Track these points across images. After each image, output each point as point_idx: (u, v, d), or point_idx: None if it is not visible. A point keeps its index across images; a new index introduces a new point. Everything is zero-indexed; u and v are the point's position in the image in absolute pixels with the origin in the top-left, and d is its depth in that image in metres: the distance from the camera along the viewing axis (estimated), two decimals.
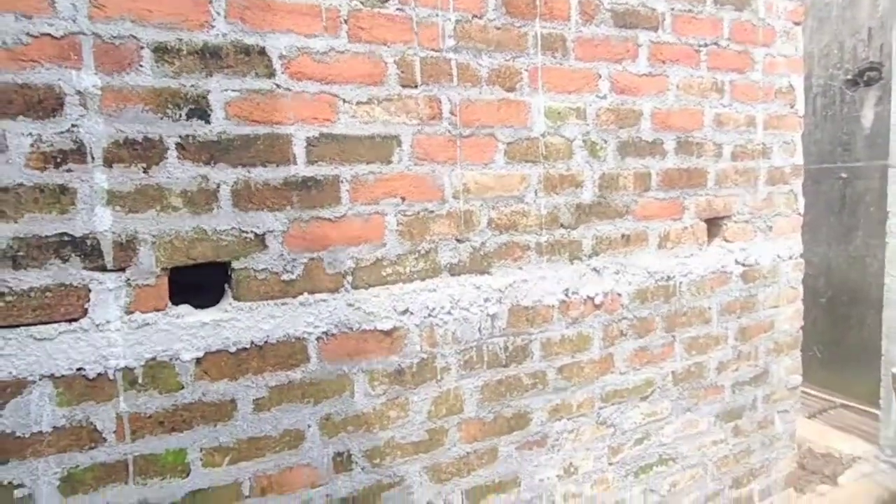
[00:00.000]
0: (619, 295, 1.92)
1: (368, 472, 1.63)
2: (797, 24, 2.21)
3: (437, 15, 1.60)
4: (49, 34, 1.26)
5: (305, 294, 1.49)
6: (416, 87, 1.59)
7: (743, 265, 2.17)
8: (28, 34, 1.24)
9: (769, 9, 2.13)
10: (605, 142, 1.86)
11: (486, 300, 1.70)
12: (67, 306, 1.29)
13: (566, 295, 1.83)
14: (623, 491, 2.08)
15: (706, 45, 2.02)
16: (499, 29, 1.68)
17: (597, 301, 1.87)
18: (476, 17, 1.65)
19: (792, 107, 2.23)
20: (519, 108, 1.72)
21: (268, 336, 1.46)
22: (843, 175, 4.25)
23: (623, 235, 1.93)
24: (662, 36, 1.93)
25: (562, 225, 1.82)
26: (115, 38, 1.31)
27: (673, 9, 1.94)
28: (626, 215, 1.93)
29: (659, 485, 2.16)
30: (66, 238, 1.29)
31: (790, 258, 2.29)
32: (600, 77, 1.83)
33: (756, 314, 2.26)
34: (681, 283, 2.04)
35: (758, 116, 2.16)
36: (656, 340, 2.04)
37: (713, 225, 2.13)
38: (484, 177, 1.70)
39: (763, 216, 2.22)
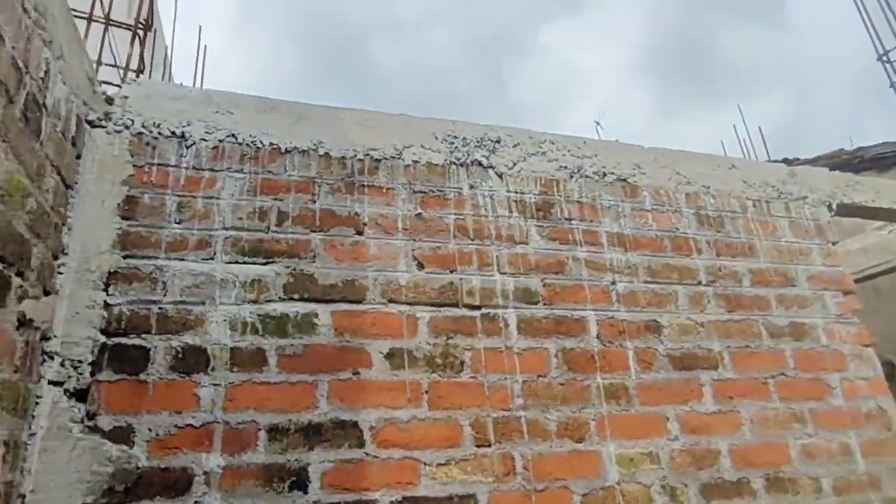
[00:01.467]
0: None
1: None
2: (867, 346, 2.34)
3: (505, 378, 1.92)
4: (191, 424, 1.65)
5: None
6: (489, 445, 1.83)
7: None
8: (176, 426, 1.64)
9: (831, 335, 2.31)
10: (686, 486, 1.93)
11: None
12: None
13: None
14: None
15: (773, 377, 2.18)
16: (563, 385, 1.96)
17: None
18: (541, 376, 1.95)
19: (889, 430, 2.23)
20: (590, 458, 1.89)
21: None
22: None
23: None
24: (724, 373, 2.13)
25: None
26: (239, 423, 1.68)
27: (729, 347, 2.17)
28: None
29: None
30: None
31: None
32: (668, 419, 2.00)
33: None
34: None
35: (852, 444, 2.16)
36: None
37: None
38: None
39: None
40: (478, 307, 1.99)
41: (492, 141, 2.25)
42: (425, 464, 1.76)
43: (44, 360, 1.58)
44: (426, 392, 1.84)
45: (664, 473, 1.93)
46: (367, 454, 1.73)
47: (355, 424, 1.76)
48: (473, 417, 1.85)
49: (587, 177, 2.30)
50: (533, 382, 1.94)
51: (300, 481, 1.66)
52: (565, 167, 2.30)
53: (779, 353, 2.23)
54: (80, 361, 1.61)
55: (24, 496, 1.46)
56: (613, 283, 2.16)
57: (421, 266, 2.00)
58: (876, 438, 2.21)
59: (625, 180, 2.35)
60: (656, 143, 2.46)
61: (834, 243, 2.52)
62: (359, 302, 1.89)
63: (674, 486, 1.93)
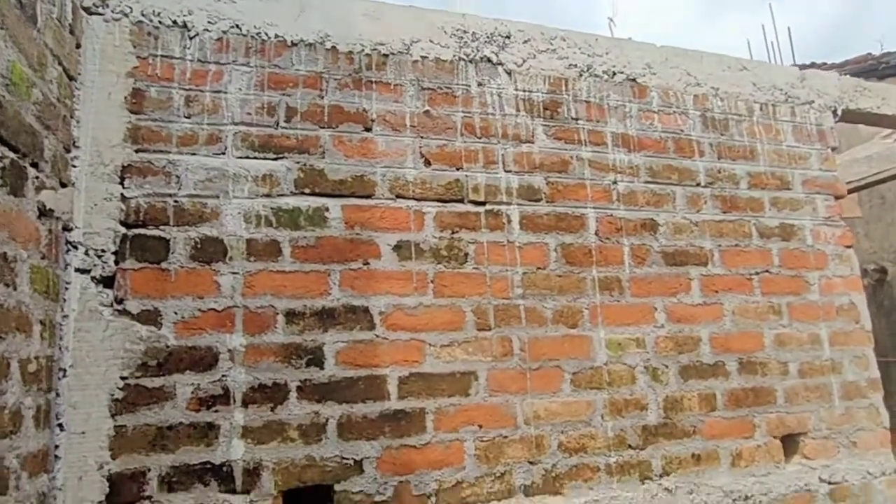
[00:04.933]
0: None
1: None
2: (848, 247, 2.19)
3: (506, 270, 1.80)
4: (213, 308, 1.57)
5: None
6: (489, 329, 1.75)
7: (829, 483, 1.96)
8: (199, 310, 1.56)
9: (816, 237, 2.15)
10: (666, 367, 1.88)
11: None
12: None
13: None
14: None
15: (757, 274, 2.05)
16: (560, 276, 1.84)
17: None
18: (540, 268, 1.83)
19: (857, 322, 2.14)
20: (582, 342, 1.82)
21: None
22: None
23: (693, 455, 1.86)
24: (713, 269, 2.01)
25: (629, 446, 1.81)
26: (259, 307, 1.60)
27: (720, 245, 2.03)
28: (695, 435, 1.88)
29: None
30: (207, 466, 1.49)
31: (883, 475, 2.04)
32: (656, 310, 1.91)
33: None
34: (760, 502, 1.87)
35: (822, 334, 2.08)
36: None
37: (789, 442, 2.00)
38: (553, 404, 1.76)
39: (844, 431, 2.04)
40: (482, 203, 1.83)
41: (502, 36, 1.96)
42: (430, 345, 1.70)
43: (68, 249, 1.47)
44: (432, 281, 1.74)
45: (648, 356, 1.88)
46: (377, 336, 1.67)
47: (366, 309, 1.67)
48: (475, 305, 1.76)
49: (596, 76, 2.03)
50: (532, 274, 1.83)
51: (316, 359, 1.61)
52: (575, 65, 2.02)
53: (766, 252, 2.09)
54: (103, 251, 1.50)
55: (64, 370, 1.42)
56: (615, 182, 1.98)
57: (428, 163, 1.81)
58: (844, 329, 2.13)
59: (634, 80, 2.08)
60: (698, 44, 2.14)
61: (833, 149, 2.28)
62: (368, 197, 1.73)
63: (656, 367, 1.88)
